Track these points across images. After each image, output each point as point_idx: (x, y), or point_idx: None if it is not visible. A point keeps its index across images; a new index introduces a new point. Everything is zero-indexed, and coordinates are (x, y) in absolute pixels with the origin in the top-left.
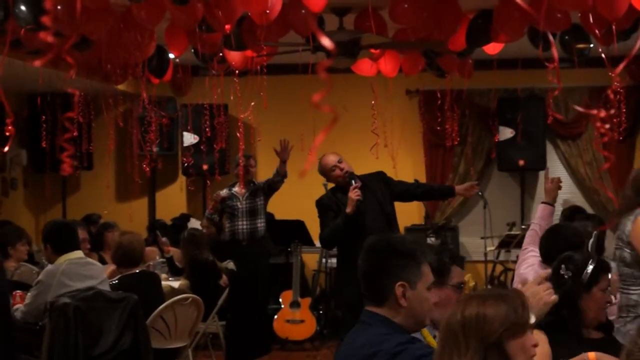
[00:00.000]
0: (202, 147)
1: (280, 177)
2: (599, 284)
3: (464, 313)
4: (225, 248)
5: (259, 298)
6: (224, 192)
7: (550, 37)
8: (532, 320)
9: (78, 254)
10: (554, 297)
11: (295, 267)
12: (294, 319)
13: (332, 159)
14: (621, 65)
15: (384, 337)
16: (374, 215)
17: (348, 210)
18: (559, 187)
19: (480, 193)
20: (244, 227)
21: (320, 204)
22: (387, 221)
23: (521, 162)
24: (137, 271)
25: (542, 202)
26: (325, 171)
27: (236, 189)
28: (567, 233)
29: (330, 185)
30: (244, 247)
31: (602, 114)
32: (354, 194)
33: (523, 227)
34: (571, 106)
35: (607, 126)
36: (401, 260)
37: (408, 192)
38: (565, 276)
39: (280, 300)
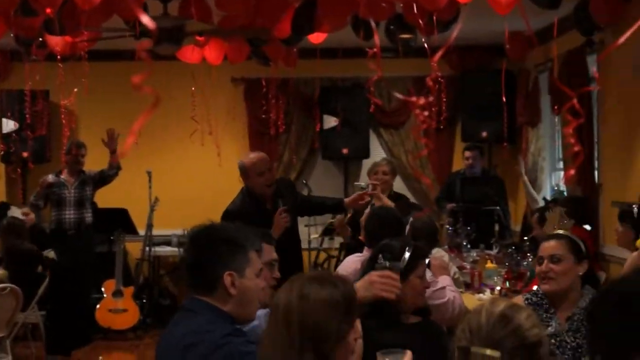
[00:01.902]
0: (22, 134)
1: (114, 170)
2: (415, 270)
3: (301, 311)
4: (48, 236)
5: (82, 288)
6: (50, 178)
7: (373, 24)
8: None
9: None
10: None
11: (118, 256)
12: (116, 308)
13: (264, 162)
14: (438, 54)
15: (208, 327)
16: (286, 233)
17: (275, 235)
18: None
19: (305, 181)
20: (71, 216)
21: (227, 216)
22: (293, 235)
23: (344, 151)
24: None
25: None
26: (250, 171)
27: (64, 176)
28: (388, 216)
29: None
30: (70, 237)
31: (421, 101)
32: (283, 220)
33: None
34: (393, 96)
35: (426, 113)
36: (227, 248)
37: (306, 203)
38: (383, 265)
39: (103, 289)
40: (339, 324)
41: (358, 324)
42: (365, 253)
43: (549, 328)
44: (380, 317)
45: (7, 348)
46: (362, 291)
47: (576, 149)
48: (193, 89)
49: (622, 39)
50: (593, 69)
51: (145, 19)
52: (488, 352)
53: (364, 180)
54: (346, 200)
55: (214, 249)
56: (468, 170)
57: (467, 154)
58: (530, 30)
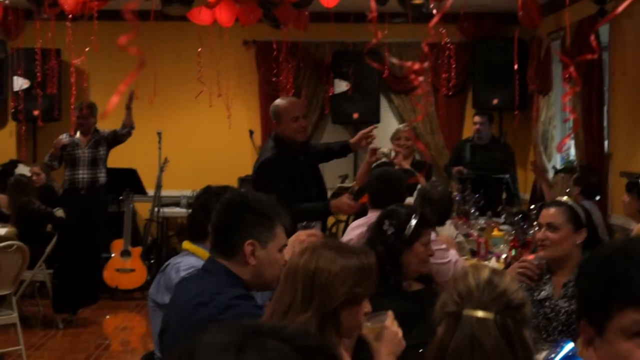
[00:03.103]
0: (33, 92)
1: (127, 129)
2: (420, 238)
3: (317, 265)
4: (58, 195)
5: (91, 247)
6: (65, 139)
7: None
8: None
9: None
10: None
11: (126, 216)
12: (124, 267)
13: (300, 107)
14: (434, 20)
15: (219, 289)
16: (316, 185)
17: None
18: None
19: None
20: (85, 176)
21: (266, 166)
22: (321, 187)
23: (355, 115)
24: None
25: None
26: (284, 115)
27: (77, 136)
28: (389, 176)
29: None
30: (83, 196)
31: (415, 66)
32: (351, 207)
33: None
34: (404, 62)
35: (421, 79)
36: (254, 218)
37: (318, 152)
38: (388, 232)
39: (111, 249)
40: (351, 287)
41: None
42: (370, 215)
43: (543, 292)
44: (383, 284)
45: (13, 304)
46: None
47: (572, 117)
48: (199, 50)
49: (620, 8)
50: (591, 37)
51: None
52: (481, 314)
53: (386, 146)
54: (351, 141)
55: (242, 216)
56: (476, 136)
57: (477, 119)
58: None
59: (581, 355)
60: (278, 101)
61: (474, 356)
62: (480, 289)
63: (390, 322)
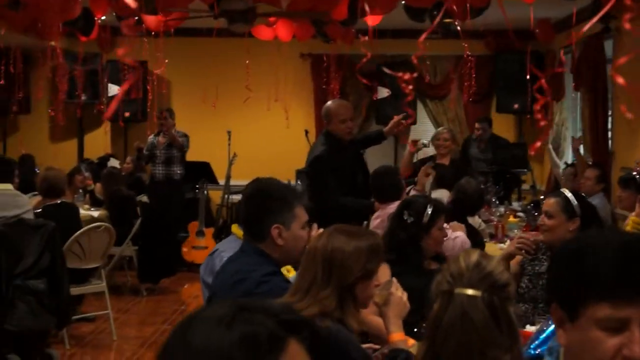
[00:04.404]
0: (123, 97)
1: (177, 148)
2: (436, 224)
3: (332, 246)
4: (143, 184)
5: (170, 228)
6: (150, 139)
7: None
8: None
9: (7, 186)
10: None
11: (201, 202)
12: (199, 245)
13: (348, 110)
14: (423, 36)
15: (253, 267)
16: (364, 176)
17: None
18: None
19: None
20: (161, 171)
21: (319, 161)
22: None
23: (395, 118)
24: (59, 202)
25: None
26: (333, 117)
27: (159, 137)
28: (389, 173)
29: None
30: (162, 187)
31: (406, 76)
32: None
33: None
34: (438, 71)
35: (411, 87)
36: (276, 205)
37: (358, 143)
38: (408, 221)
39: (188, 229)
40: (364, 264)
41: (382, 273)
42: (379, 211)
43: (542, 267)
44: (406, 265)
45: (102, 276)
46: None
47: (542, 123)
48: (247, 62)
49: (586, 27)
50: (561, 53)
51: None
52: (471, 292)
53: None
54: (385, 129)
55: (265, 205)
56: (478, 136)
57: (477, 125)
58: (509, 25)
59: None
60: (329, 103)
61: (464, 329)
62: (469, 270)
63: (395, 289)
